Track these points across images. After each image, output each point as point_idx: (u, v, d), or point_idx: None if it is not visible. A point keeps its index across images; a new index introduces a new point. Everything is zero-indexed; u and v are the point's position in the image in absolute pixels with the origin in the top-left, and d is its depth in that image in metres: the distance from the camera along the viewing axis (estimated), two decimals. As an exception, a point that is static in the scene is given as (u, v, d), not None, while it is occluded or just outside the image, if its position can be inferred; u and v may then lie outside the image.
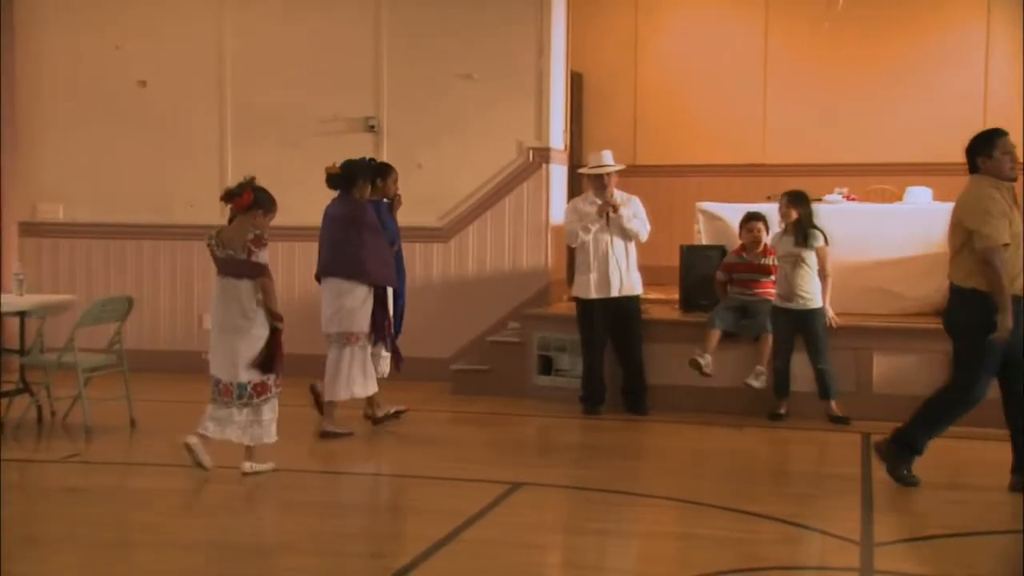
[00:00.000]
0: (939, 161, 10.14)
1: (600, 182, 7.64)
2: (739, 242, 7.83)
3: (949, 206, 8.16)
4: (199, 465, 5.82)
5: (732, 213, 8.19)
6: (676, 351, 7.75)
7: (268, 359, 5.79)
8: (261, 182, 5.96)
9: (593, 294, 7.61)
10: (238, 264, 5.80)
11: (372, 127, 9.18)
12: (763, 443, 7.08)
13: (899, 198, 8.95)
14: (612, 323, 7.65)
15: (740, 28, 10.98)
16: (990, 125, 10.03)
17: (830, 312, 7.44)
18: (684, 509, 5.52)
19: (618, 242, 7.60)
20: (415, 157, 9.07)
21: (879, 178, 9.92)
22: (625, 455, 6.80)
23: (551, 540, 5.23)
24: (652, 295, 8.30)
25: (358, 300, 6.87)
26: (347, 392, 6.87)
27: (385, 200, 7.42)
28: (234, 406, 5.81)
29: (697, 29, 11.13)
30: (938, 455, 6.61)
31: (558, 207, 9.04)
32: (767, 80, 10.89)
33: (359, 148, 8.68)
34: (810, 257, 7.35)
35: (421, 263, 9.11)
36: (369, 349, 6.96)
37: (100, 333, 7.40)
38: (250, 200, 5.80)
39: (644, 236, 7.65)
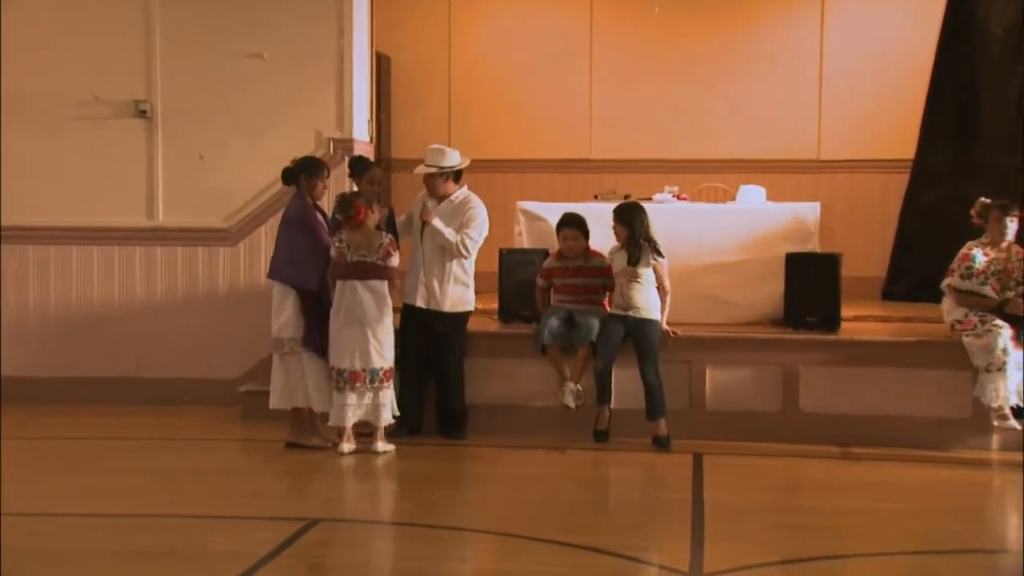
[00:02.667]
0: (773, 158, 10.63)
1: (425, 182, 7.65)
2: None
3: (784, 207, 8.67)
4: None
5: (555, 213, 8.22)
6: (494, 367, 7.79)
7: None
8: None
9: (406, 299, 7.64)
10: (377, 269, 7.13)
11: (144, 112, 8.91)
12: (587, 466, 7.17)
13: (732, 197, 9.24)
14: (430, 339, 7.63)
15: (564, 12, 11.13)
16: (826, 121, 10.82)
17: (666, 327, 7.59)
18: (504, 543, 5.52)
19: (430, 252, 7.58)
20: (195, 147, 8.89)
21: (711, 176, 10.23)
22: (438, 484, 6.77)
23: (351, 584, 5.12)
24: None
25: (278, 302, 7.31)
26: (276, 401, 7.33)
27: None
28: (368, 391, 7.07)
29: (517, 10, 11.22)
30: (769, 475, 6.87)
31: None
32: (593, 69, 11.07)
33: (128, 136, 8.39)
34: (645, 273, 7.52)
35: (205, 270, 8.92)
36: (306, 356, 7.24)
37: None
38: (364, 212, 7.14)
39: (463, 252, 7.56)
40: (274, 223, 8.78)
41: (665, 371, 7.55)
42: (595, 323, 7.55)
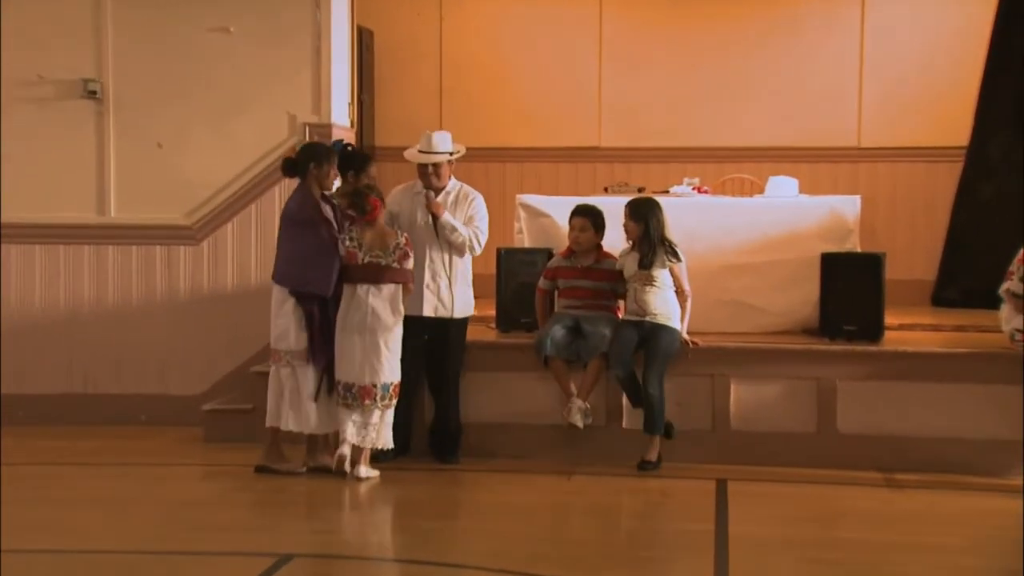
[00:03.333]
0: (807, 146, 10.64)
1: (424, 172, 7.64)
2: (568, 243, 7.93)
3: (819, 200, 8.67)
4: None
5: (560, 208, 8.27)
6: (491, 381, 7.82)
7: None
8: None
9: (409, 311, 7.50)
10: (392, 272, 7.18)
11: (93, 93, 8.93)
12: (596, 494, 7.17)
13: (760, 190, 9.25)
14: (427, 350, 7.65)
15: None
16: (867, 103, 10.84)
17: (686, 336, 7.61)
18: (501, 582, 5.51)
19: (438, 251, 7.60)
20: (153, 134, 8.92)
21: (737, 166, 10.28)
22: (428, 514, 6.76)
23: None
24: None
25: (275, 308, 7.32)
26: (274, 419, 7.32)
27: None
28: (376, 408, 7.11)
29: (516, -18, 11.26)
30: (803, 505, 6.87)
31: None
32: (603, 46, 11.11)
33: (76, 120, 8.40)
34: (662, 276, 7.54)
35: (164, 272, 8.96)
36: (301, 371, 7.24)
37: None
38: (380, 207, 7.21)
39: (477, 249, 7.69)
40: (243, 219, 8.96)
41: (685, 386, 7.59)
42: (606, 333, 7.56)
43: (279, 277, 7.34)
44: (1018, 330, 7.43)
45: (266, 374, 8.29)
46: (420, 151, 7.66)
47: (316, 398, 7.26)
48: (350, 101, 9.35)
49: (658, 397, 7.41)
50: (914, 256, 10.21)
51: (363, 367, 7.13)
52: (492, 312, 8.30)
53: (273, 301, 7.34)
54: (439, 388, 7.72)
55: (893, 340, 7.94)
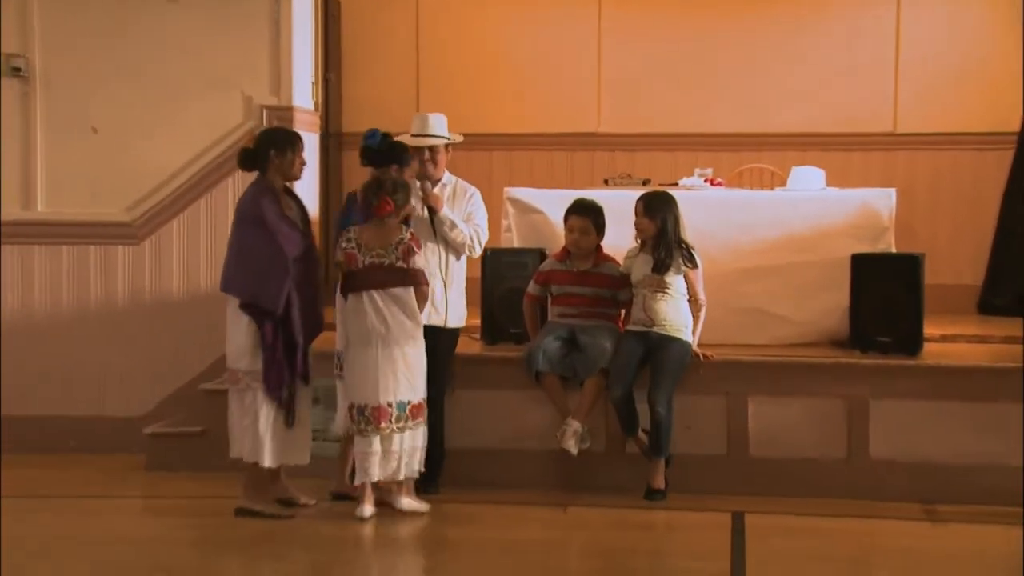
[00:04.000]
0: (836, 131, 10.64)
1: (420, 160, 7.63)
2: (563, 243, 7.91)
3: (850, 194, 8.67)
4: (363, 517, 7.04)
5: (554, 203, 8.27)
6: (477, 401, 7.81)
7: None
8: None
9: None
10: (398, 273, 7.12)
11: (17, 70, 8.94)
12: (595, 528, 7.14)
13: (783, 183, 9.26)
14: None
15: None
16: (904, 85, 10.83)
17: (697, 348, 7.62)
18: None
19: (434, 251, 7.59)
20: (87, 118, 8.92)
21: (755, 154, 10.29)
22: (404, 553, 6.76)
23: None
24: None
25: (231, 323, 7.20)
26: (233, 448, 7.22)
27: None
28: (394, 432, 7.05)
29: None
30: (831, 541, 6.86)
31: (305, 193, 8.88)
32: (602, 19, 11.10)
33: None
34: (676, 282, 7.55)
35: (99, 275, 8.95)
36: (259, 396, 7.11)
37: None
38: (391, 207, 7.09)
39: (477, 250, 7.72)
40: (191, 214, 9.00)
41: (696, 406, 7.58)
42: (607, 346, 7.55)
43: (225, 284, 7.23)
44: (1076, 341, 7.44)
45: (217, 392, 8.33)
46: (414, 135, 7.67)
47: (289, 424, 7.16)
48: (314, 81, 9.38)
49: (666, 416, 7.40)
50: (958, 257, 10.21)
51: (374, 384, 7.06)
52: (477, 321, 8.27)
53: (228, 311, 7.24)
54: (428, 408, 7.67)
55: (934, 353, 7.95)
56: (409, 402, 7.10)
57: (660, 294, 7.53)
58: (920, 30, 10.70)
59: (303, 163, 7.37)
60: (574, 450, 7.49)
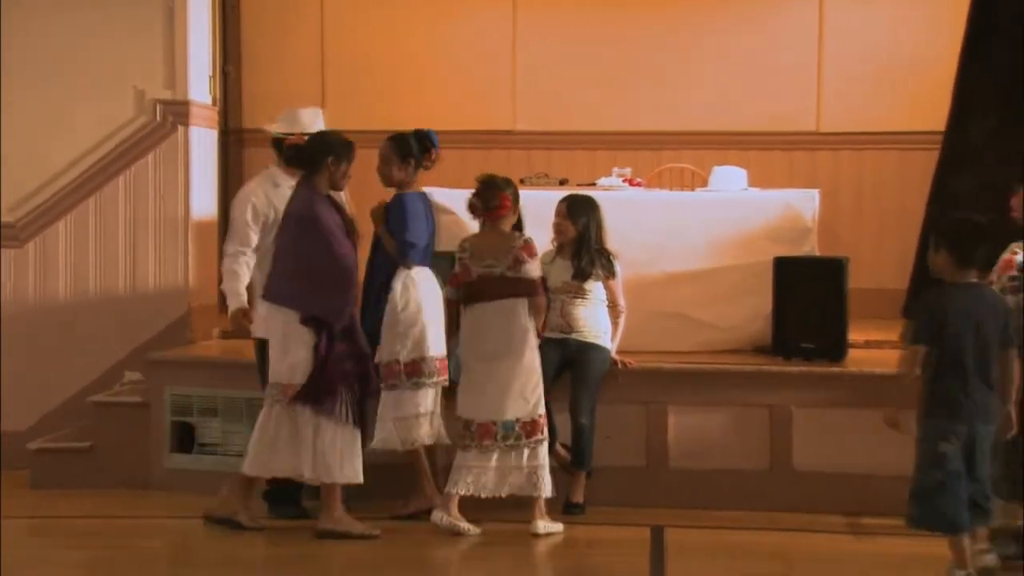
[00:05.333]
0: (758, 130, 10.68)
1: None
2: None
3: (772, 195, 8.69)
4: (460, 532, 6.98)
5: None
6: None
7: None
8: None
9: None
10: (509, 283, 7.07)
11: None
12: (508, 543, 7.06)
13: (703, 183, 9.29)
14: None
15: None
16: (827, 82, 10.89)
17: (615, 355, 7.66)
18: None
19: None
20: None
21: (675, 154, 10.32)
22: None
23: None
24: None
25: (284, 335, 7.04)
26: (253, 465, 7.06)
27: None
28: (496, 449, 6.99)
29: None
30: (753, 555, 6.84)
31: (203, 193, 9.00)
32: (517, 13, 11.11)
33: None
34: (595, 288, 7.61)
35: (-21, 280, 8.88)
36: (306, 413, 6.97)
37: None
38: (509, 205, 7.11)
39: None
40: (79, 215, 8.98)
41: (614, 415, 7.58)
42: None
43: (278, 296, 7.06)
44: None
45: (107, 405, 8.46)
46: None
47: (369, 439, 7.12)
48: (212, 74, 9.35)
49: (589, 428, 7.43)
50: (883, 261, 10.27)
51: (481, 401, 7.05)
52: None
53: (279, 324, 7.03)
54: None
55: (858, 360, 7.97)
56: (517, 419, 7.03)
57: (579, 300, 7.58)
58: (844, 27, 10.78)
59: (350, 176, 7.30)
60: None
